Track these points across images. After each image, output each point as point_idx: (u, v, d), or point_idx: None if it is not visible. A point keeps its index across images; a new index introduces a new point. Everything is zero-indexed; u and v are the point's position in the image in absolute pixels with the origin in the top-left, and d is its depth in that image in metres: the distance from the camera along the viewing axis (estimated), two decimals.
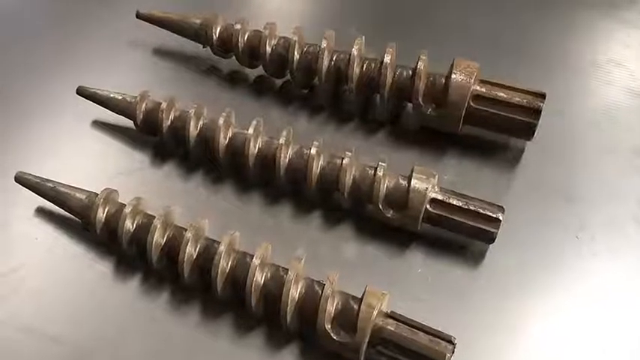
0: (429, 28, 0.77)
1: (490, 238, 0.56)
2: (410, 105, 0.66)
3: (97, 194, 0.57)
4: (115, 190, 0.58)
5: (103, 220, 0.56)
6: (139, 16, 0.73)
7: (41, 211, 0.62)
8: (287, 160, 0.60)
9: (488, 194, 0.59)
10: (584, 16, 0.78)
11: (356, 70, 0.65)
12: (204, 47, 0.72)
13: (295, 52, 0.67)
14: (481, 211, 0.56)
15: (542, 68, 0.72)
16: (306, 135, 0.65)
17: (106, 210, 0.57)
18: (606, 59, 0.73)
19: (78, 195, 0.58)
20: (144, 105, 0.65)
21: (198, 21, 0.71)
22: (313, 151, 0.59)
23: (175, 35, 0.73)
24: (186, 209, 0.59)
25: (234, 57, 0.71)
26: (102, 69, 0.74)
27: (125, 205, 0.56)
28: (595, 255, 0.58)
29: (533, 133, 0.62)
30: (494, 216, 0.55)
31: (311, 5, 0.83)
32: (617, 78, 0.71)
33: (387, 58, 0.64)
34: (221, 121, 0.62)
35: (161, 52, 0.75)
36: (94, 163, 0.66)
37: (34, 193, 0.60)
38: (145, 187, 0.64)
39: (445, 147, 0.66)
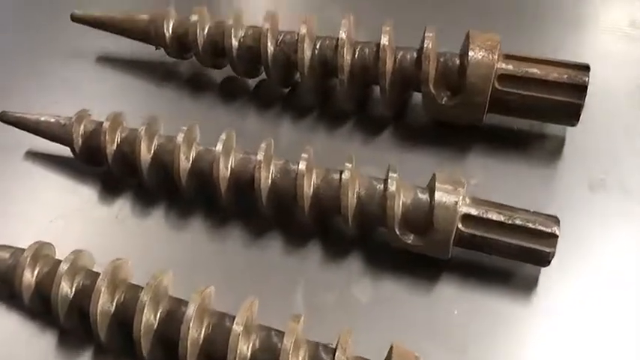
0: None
1: (545, 260, 0.43)
2: (417, 94, 0.52)
3: (25, 250, 0.44)
4: (48, 244, 0.45)
5: (33, 284, 0.43)
6: (74, 18, 0.60)
7: None
8: (269, 181, 0.47)
9: (528, 199, 0.47)
10: None
11: (347, 57, 0.52)
12: (157, 49, 0.59)
13: (269, 43, 0.53)
14: (530, 225, 0.42)
15: (571, 34, 0.60)
16: (292, 144, 0.53)
17: (37, 271, 0.43)
18: None
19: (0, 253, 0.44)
20: (82, 127, 0.51)
21: (145, 17, 0.58)
22: (302, 166, 0.46)
23: (121, 38, 0.59)
24: (143, 257, 0.46)
25: (194, 57, 0.58)
26: (35, 87, 0.60)
27: (61, 261, 0.43)
28: None
29: (579, 117, 0.49)
30: (549, 231, 0.42)
31: None
32: None
33: (384, 40, 0.50)
34: (180, 137, 0.48)
35: (105, 61, 0.62)
36: (27, 206, 0.53)
37: None
38: (92, 232, 0.50)
39: (467, 143, 0.53)
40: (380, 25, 0.51)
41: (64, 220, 0.51)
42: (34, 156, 0.55)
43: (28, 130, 0.53)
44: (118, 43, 0.60)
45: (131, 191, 0.52)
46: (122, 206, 0.51)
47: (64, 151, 0.53)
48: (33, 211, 0.52)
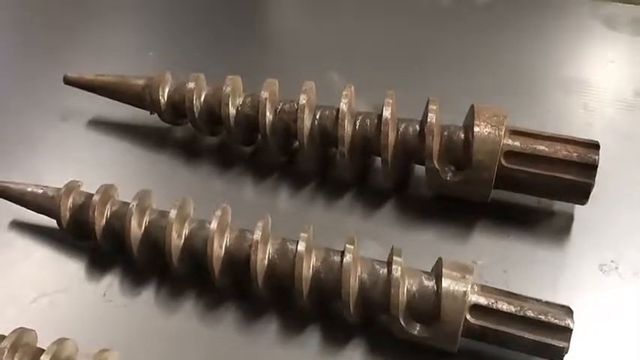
0: (421, 68, 0.63)
1: (559, 355, 0.40)
2: (419, 166, 0.51)
3: (4, 337, 0.41)
4: (29, 331, 0.42)
5: None
6: (66, 80, 0.58)
7: None
8: (266, 262, 0.44)
9: (536, 281, 0.46)
10: (622, 39, 0.64)
11: (347, 129, 0.50)
12: (151, 114, 0.57)
13: (267, 112, 0.52)
14: (543, 318, 0.40)
15: (574, 105, 0.59)
16: (289, 216, 0.52)
17: None
18: None
19: None
20: (70, 200, 0.49)
21: (140, 82, 0.56)
22: (301, 247, 0.43)
23: (114, 102, 0.58)
24: (131, 342, 0.43)
25: (189, 123, 0.56)
26: (25, 152, 0.58)
27: (43, 351, 0.40)
28: None
29: (588, 196, 0.47)
30: (562, 324, 0.40)
31: (276, 53, 0.68)
32: None
33: (386, 112, 0.49)
34: (173, 214, 0.46)
35: (97, 125, 0.60)
36: (8, 282, 0.49)
37: None
38: (77, 312, 0.47)
39: (471, 219, 0.51)
40: (376, 86, 0.51)
41: (48, 299, 0.48)
42: (19, 226, 0.52)
43: (13, 201, 0.50)
44: (110, 106, 0.59)
45: (120, 267, 0.49)
46: (110, 283, 0.48)
47: (51, 221, 0.50)
48: (14, 288, 0.49)
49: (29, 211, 0.51)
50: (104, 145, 0.58)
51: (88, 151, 0.58)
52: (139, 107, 0.57)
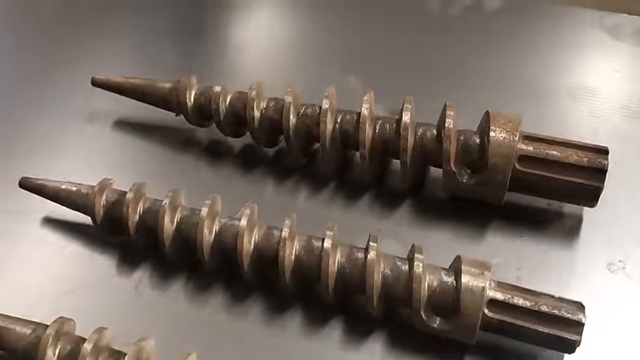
0: (430, 74, 0.65)
1: (571, 348, 0.43)
2: (434, 168, 0.53)
3: (47, 327, 0.43)
4: (69, 320, 0.44)
5: None
6: (94, 82, 0.60)
7: None
8: (293, 257, 0.47)
9: (547, 279, 0.48)
10: (626, 49, 0.67)
11: (368, 132, 0.52)
12: (177, 116, 0.59)
13: (291, 116, 0.54)
14: (556, 312, 0.42)
15: (577, 111, 0.61)
16: (310, 214, 0.54)
17: (58, 350, 0.42)
18: None
19: (20, 329, 0.44)
20: (103, 197, 0.51)
21: (167, 85, 0.58)
22: (327, 244, 0.46)
23: (140, 104, 0.60)
24: (161, 334, 0.45)
25: (214, 125, 0.58)
26: (52, 152, 0.60)
27: (85, 339, 0.42)
28: None
29: (598, 199, 0.50)
30: (575, 318, 0.42)
31: (294, 57, 0.70)
32: None
33: (405, 117, 0.51)
34: (204, 211, 0.48)
35: (124, 126, 0.62)
36: (44, 276, 0.52)
37: None
38: (110, 305, 0.50)
39: (485, 219, 0.53)
40: (390, 91, 0.53)
41: (81, 292, 0.50)
42: (51, 223, 0.54)
43: (49, 198, 0.53)
44: (135, 107, 0.61)
45: (150, 262, 0.51)
46: (141, 277, 0.51)
47: (82, 218, 0.53)
48: (47, 283, 0.51)
49: (60, 208, 0.53)
50: (129, 146, 0.61)
51: (113, 151, 0.61)
52: (165, 109, 0.59)
